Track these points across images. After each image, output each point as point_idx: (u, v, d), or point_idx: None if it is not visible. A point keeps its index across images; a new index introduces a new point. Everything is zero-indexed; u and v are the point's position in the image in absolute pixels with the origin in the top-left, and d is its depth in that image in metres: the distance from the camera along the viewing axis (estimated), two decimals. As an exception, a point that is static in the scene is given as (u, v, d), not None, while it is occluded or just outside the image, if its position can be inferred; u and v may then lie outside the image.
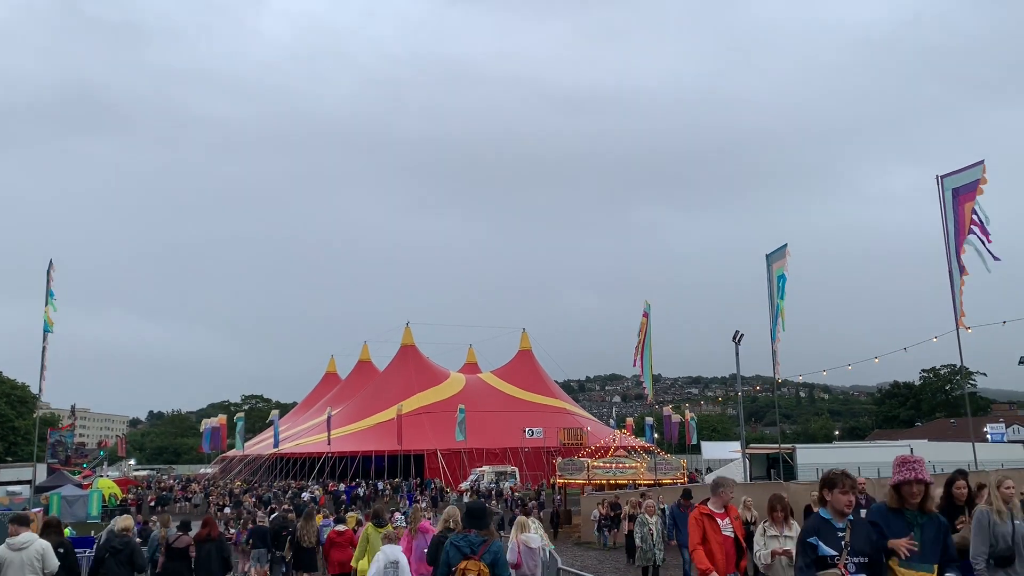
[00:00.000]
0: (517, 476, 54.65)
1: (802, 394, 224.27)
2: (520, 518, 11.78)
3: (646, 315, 29.78)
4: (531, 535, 10.71)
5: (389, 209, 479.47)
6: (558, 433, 61.16)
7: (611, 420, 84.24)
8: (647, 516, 14.99)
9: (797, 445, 30.68)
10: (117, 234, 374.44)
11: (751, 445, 31.03)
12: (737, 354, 27.87)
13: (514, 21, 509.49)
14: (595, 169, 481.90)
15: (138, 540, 11.92)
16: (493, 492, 46.19)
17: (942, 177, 17.04)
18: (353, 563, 12.38)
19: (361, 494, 50.51)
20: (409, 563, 9.91)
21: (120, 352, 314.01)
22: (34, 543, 8.82)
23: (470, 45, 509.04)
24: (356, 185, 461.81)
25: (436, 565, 8.41)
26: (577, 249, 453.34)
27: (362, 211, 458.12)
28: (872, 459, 30.36)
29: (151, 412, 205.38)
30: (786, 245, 22.25)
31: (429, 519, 13.33)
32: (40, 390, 29.22)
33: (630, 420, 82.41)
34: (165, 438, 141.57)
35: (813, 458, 28.61)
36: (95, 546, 10.92)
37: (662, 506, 19.03)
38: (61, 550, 9.49)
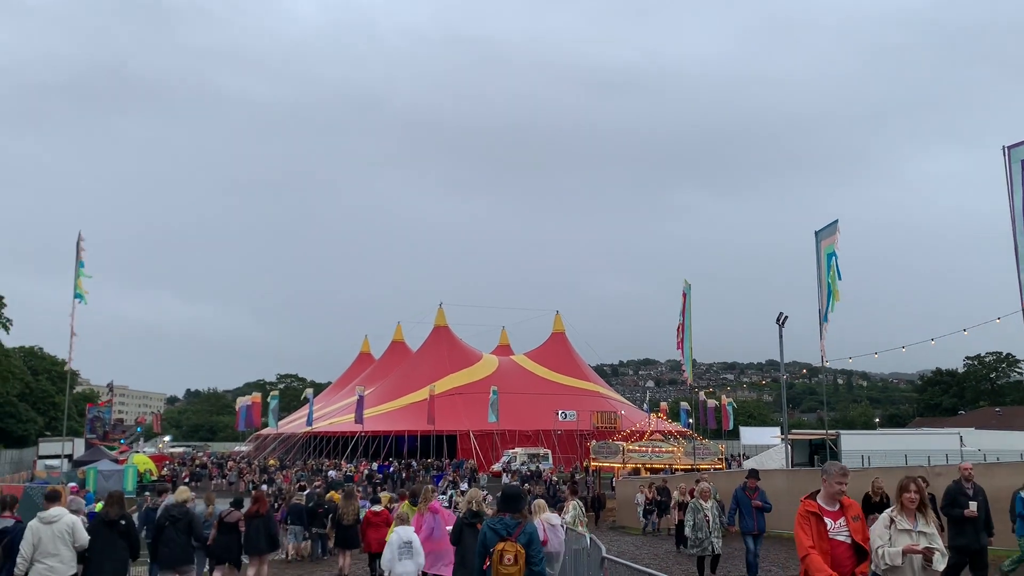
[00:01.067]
0: (550, 458, 54.23)
1: (840, 381, 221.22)
2: (539, 500, 12.68)
3: (685, 295, 28.88)
4: (550, 514, 11.77)
5: (422, 191, 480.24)
6: (591, 416, 60.70)
7: (644, 405, 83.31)
8: (701, 501, 13.69)
9: (841, 431, 29.67)
10: (153, 214, 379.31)
11: (792, 431, 30.10)
12: (781, 337, 26.95)
13: (545, 1, 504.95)
14: (628, 151, 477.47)
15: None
16: (532, 474, 45.73)
17: (1010, 148, 15.96)
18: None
19: (393, 473, 50.45)
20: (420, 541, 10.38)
21: (159, 331, 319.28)
22: (63, 517, 8.99)
23: (501, 26, 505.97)
24: (389, 166, 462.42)
25: (458, 545, 8.91)
26: (610, 232, 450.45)
27: (395, 192, 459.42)
28: (919, 446, 29.34)
29: (188, 390, 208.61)
30: (836, 221, 21.23)
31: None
32: (69, 359, 29.27)
33: (664, 405, 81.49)
34: (201, 416, 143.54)
35: (858, 444, 27.65)
36: (156, 515, 11.15)
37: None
38: (123, 522, 9.84)
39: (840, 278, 20.77)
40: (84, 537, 9.07)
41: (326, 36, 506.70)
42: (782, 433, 29.65)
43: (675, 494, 20.30)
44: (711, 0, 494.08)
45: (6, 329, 47.94)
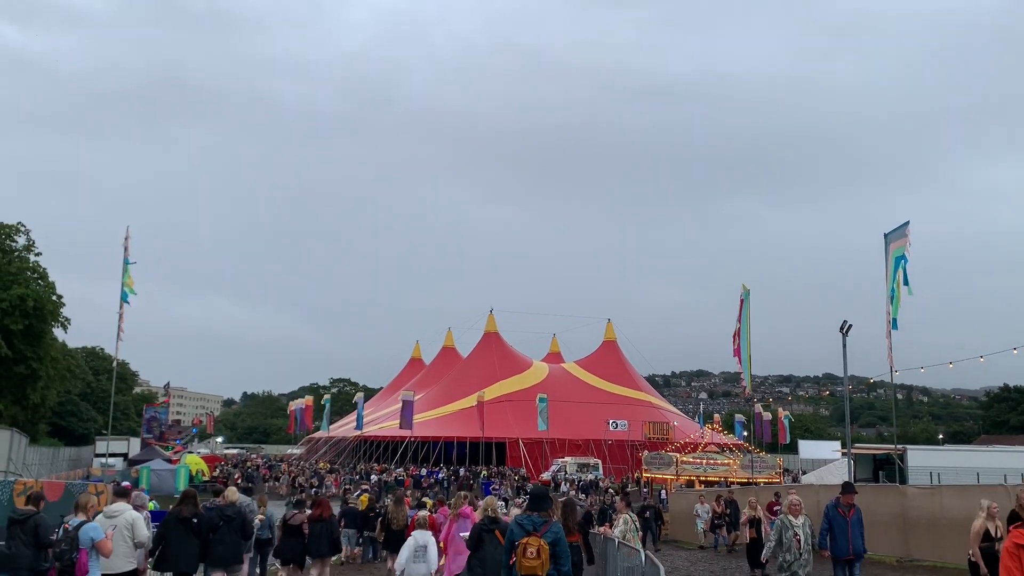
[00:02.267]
0: (600, 468, 53.41)
1: (899, 396, 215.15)
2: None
3: (743, 301, 27.91)
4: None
5: (473, 198, 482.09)
6: (643, 427, 59.66)
7: (697, 416, 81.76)
8: (791, 517, 11.60)
9: (908, 446, 28.36)
10: (209, 220, 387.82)
11: (855, 445, 28.92)
12: (844, 346, 25.81)
13: (593, 7, 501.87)
14: (678, 160, 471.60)
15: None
16: (589, 484, 44.86)
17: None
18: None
19: (442, 480, 50.20)
20: (447, 544, 10.65)
21: (216, 335, 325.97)
22: (125, 513, 9.48)
23: (552, 34, 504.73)
24: (442, 174, 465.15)
25: (477, 551, 9.14)
26: (662, 241, 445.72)
27: (447, 199, 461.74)
28: (991, 464, 27.89)
29: (245, 393, 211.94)
30: (907, 224, 20.12)
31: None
32: (116, 351, 29.57)
33: (717, 417, 79.94)
34: (256, 418, 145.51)
35: (926, 460, 26.37)
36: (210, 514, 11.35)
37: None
38: (195, 520, 10.57)
39: (907, 283, 19.70)
40: (144, 533, 9.45)
41: (379, 45, 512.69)
42: (844, 447, 28.47)
43: (745, 509, 18.43)
44: (765, 6, 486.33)
45: (64, 328, 48.98)
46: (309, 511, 13.88)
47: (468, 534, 10.02)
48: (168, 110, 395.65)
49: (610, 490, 33.71)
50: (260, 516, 13.98)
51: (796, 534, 11.34)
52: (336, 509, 16.71)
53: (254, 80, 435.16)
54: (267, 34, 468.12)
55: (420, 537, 10.82)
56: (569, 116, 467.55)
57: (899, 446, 27.79)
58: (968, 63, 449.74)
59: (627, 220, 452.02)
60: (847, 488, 11.96)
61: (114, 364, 33.45)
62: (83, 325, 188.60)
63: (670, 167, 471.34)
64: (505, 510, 13.71)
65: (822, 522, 11.51)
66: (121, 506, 9.63)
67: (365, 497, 21.96)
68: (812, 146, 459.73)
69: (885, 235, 21.13)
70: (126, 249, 25.62)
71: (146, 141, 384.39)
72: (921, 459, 26.76)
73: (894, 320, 19.96)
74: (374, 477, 47.96)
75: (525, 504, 11.69)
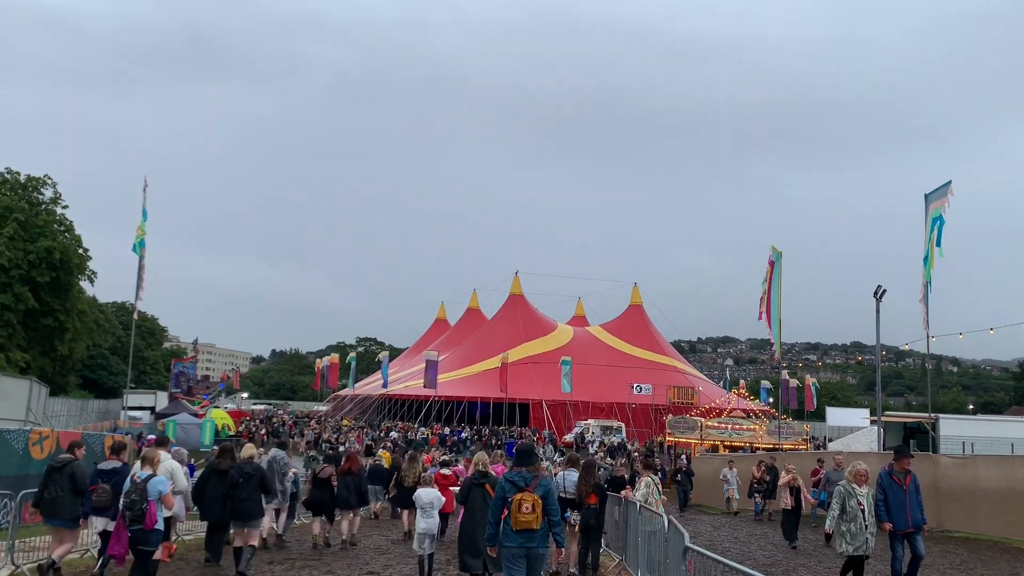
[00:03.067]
0: (623, 431, 53.21)
1: (928, 366, 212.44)
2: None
3: (772, 263, 27.06)
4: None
5: (500, 160, 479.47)
6: (668, 391, 59.23)
7: (723, 383, 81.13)
8: (855, 485, 10.22)
9: (941, 415, 27.67)
10: (237, 180, 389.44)
11: (886, 413, 28.25)
12: (878, 311, 25.10)
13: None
14: (708, 123, 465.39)
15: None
16: (617, 447, 44.65)
17: None
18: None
19: (465, 439, 50.33)
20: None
21: (247, 294, 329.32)
22: (165, 463, 9.84)
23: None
24: (467, 134, 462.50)
25: (465, 503, 9.79)
26: (690, 206, 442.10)
27: (473, 160, 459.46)
28: (1025, 435, 27.17)
29: (274, 351, 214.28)
30: (949, 183, 19.24)
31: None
32: (136, 300, 29.53)
33: (743, 383, 79.32)
34: (283, 375, 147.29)
35: (958, 430, 25.71)
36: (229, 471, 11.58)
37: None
38: (232, 472, 11.09)
39: (939, 244, 18.92)
40: (182, 482, 9.95)
41: (405, 4, 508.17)
42: (873, 414, 27.87)
43: (783, 475, 17.20)
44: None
45: (91, 281, 49.30)
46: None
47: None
48: (194, 68, 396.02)
49: (636, 454, 33.46)
50: (293, 470, 14.29)
51: (860, 503, 10.10)
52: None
53: (280, 38, 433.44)
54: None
55: (426, 495, 11.44)
56: (598, 78, 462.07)
57: (931, 415, 27.12)
58: (1013, 26, 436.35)
59: (655, 183, 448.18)
60: (901, 452, 10.68)
61: (133, 315, 33.53)
62: (113, 280, 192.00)
63: (699, 130, 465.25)
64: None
65: (876, 492, 10.34)
66: (161, 455, 9.95)
67: (386, 454, 21.83)
68: (845, 110, 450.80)
69: (926, 195, 20.28)
70: (145, 199, 25.39)
71: (172, 99, 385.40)
72: (953, 428, 26.13)
73: (928, 283, 19.14)
74: (394, 434, 48.21)
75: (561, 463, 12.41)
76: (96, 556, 10.35)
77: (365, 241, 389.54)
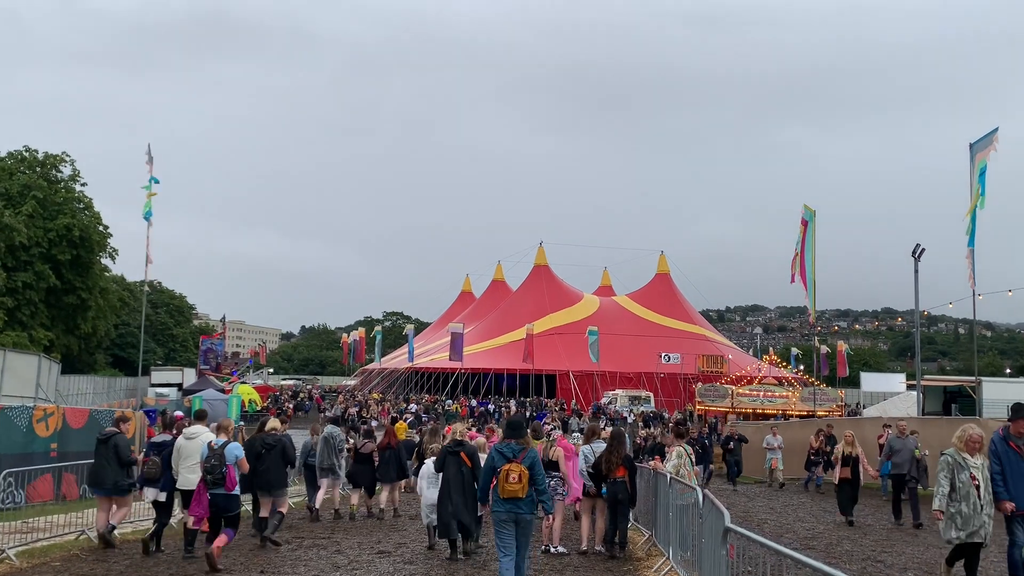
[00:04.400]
0: (652, 401, 52.56)
1: (961, 330, 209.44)
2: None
3: (806, 223, 25.93)
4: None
5: (522, 129, 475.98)
6: (696, 360, 58.41)
7: (752, 351, 80.00)
8: (965, 455, 8.24)
9: (984, 378, 26.61)
10: (260, 157, 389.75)
11: (925, 377, 27.25)
12: (916, 272, 24.05)
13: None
14: (733, 88, 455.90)
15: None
16: (653, 416, 44.03)
17: None
18: None
19: (493, 411, 50.00)
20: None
21: (275, 270, 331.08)
22: (202, 435, 10.25)
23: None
24: (489, 104, 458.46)
25: (442, 471, 10.14)
26: (716, 173, 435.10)
27: (495, 131, 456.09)
28: (1073, 399, 26.06)
29: (303, 327, 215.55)
30: (995, 130, 18.02)
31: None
32: (146, 275, 29.24)
33: (772, 350, 78.16)
34: (312, 350, 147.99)
35: (1002, 393, 24.63)
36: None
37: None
38: (261, 445, 11.40)
39: (983, 193, 17.79)
40: None
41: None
42: (914, 378, 26.83)
43: (840, 444, 15.34)
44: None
45: (112, 258, 49.20)
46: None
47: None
48: (212, 47, 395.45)
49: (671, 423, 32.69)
50: (348, 444, 14.98)
51: (974, 477, 8.02)
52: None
53: (295, 12, 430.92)
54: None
55: (431, 465, 11.38)
56: (619, 44, 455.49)
57: (973, 378, 26.06)
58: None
59: (679, 151, 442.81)
60: (1018, 411, 8.34)
61: (144, 287, 33.27)
62: (140, 260, 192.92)
63: (724, 95, 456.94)
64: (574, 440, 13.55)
65: (990, 463, 8.20)
66: (199, 428, 10.46)
67: (402, 424, 21.54)
68: (874, 71, 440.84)
69: (971, 145, 19.10)
70: (150, 167, 24.85)
71: (189, 77, 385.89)
72: (997, 392, 25.06)
73: (971, 236, 18.00)
74: (414, 407, 48.08)
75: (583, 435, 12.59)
76: (152, 525, 10.86)
77: (389, 214, 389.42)
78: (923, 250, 24.22)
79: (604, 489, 10.45)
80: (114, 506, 10.78)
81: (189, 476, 10.09)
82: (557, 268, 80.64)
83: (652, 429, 29.15)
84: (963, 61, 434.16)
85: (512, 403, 55.68)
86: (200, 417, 11.02)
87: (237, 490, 9.66)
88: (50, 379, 25.77)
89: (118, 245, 49.87)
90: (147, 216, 24.44)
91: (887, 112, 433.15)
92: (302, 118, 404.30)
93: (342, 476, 14.36)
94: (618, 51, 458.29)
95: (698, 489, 8.35)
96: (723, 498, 14.77)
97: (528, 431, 9.27)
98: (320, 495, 13.88)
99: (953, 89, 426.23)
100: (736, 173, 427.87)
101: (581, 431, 22.04)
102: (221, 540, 9.37)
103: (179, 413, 31.83)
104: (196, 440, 10.20)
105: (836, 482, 14.75)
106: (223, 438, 9.81)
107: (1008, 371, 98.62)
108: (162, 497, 10.53)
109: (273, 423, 12.30)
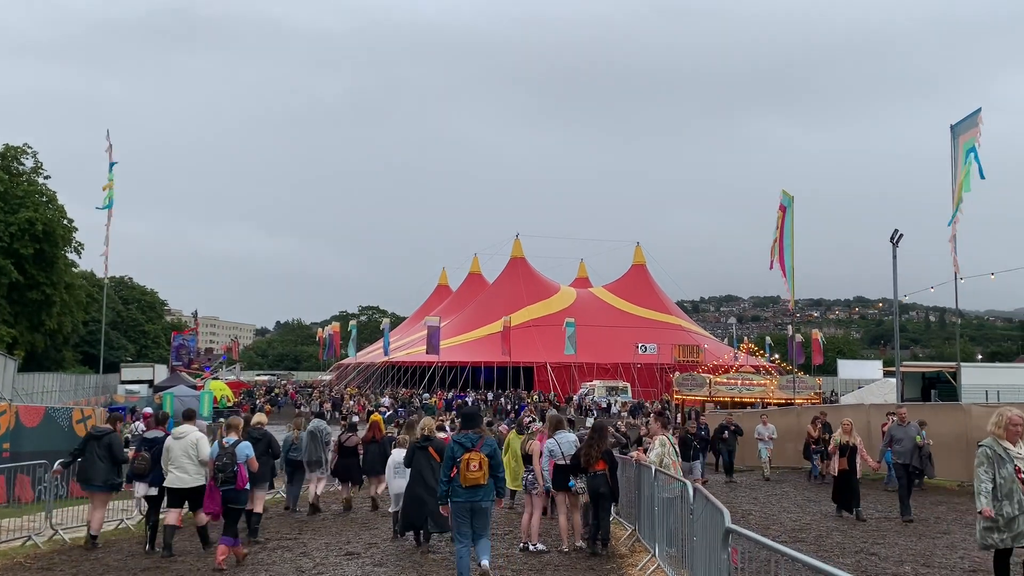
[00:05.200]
0: (629, 392, 52.35)
1: (932, 318, 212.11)
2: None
3: (784, 208, 25.61)
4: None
5: (496, 121, 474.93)
6: (672, 350, 58.28)
7: (727, 340, 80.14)
8: (1006, 444, 6.98)
9: (962, 363, 26.50)
10: (231, 151, 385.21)
11: (904, 363, 27.11)
12: (895, 258, 23.86)
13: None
14: (702, 79, 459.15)
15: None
16: (635, 407, 43.72)
17: None
18: None
19: (472, 404, 49.56)
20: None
21: (250, 266, 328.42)
22: (191, 434, 10.31)
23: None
24: (462, 98, 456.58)
25: (411, 466, 10.30)
26: (688, 164, 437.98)
27: (470, 123, 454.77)
28: (1049, 383, 26.02)
29: (278, 322, 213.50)
30: (979, 111, 17.77)
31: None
32: (105, 269, 28.32)
33: (747, 340, 78.40)
34: (287, 345, 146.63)
35: (981, 379, 24.56)
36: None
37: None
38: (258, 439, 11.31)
39: (983, 176, 17.47)
40: (206, 452, 10.17)
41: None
42: (893, 365, 26.69)
43: (836, 433, 14.11)
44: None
45: (78, 253, 47.82)
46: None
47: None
48: (176, 38, 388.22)
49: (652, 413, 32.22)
50: (334, 439, 14.81)
51: (1019, 469, 6.80)
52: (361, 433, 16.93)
53: (262, 7, 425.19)
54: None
55: (397, 455, 11.57)
56: (588, 35, 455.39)
57: (951, 363, 25.94)
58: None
59: (653, 142, 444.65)
60: None
61: (105, 280, 32.23)
62: (112, 254, 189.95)
63: (693, 87, 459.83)
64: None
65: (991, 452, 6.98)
66: (187, 428, 10.43)
67: (377, 416, 21.23)
68: (841, 62, 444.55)
69: (952, 127, 18.84)
70: (110, 154, 23.90)
71: (157, 71, 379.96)
72: (976, 377, 24.97)
73: (952, 218, 17.67)
74: (386, 400, 47.59)
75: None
76: (146, 522, 11.09)
77: (363, 209, 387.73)
78: (901, 236, 24.03)
79: (571, 482, 9.99)
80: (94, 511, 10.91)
81: (178, 474, 10.15)
82: (534, 260, 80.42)
83: (636, 420, 28.78)
84: (933, 50, 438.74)
85: (489, 395, 55.22)
86: (188, 417, 11.02)
87: (248, 485, 9.91)
88: (5, 376, 24.83)
89: (87, 241, 48.29)
90: (108, 206, 23.47)
91: (857, 101, 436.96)
92: (270, 112, 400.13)
93: (327, 470, 14.36)
94: (588, 42, 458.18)
95: (687, 483, 7.88)
96: (713, 490, 14.28)
97: (482, 421, 9.75)
98: (312, 488, 14.02)
99: (922, 78, 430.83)
100: (708, 164, 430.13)
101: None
102: (223, 552, 9.37)
103: (147, 410, 31.14)
104: (184, 439, 10.25)
105: (834, 474, 13.65)
106: (233, 437, 9.92)
107: (980, 357, 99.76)
108: (153, 491, 10.76)
109: (259, 417, 12.46)
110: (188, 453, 10.13)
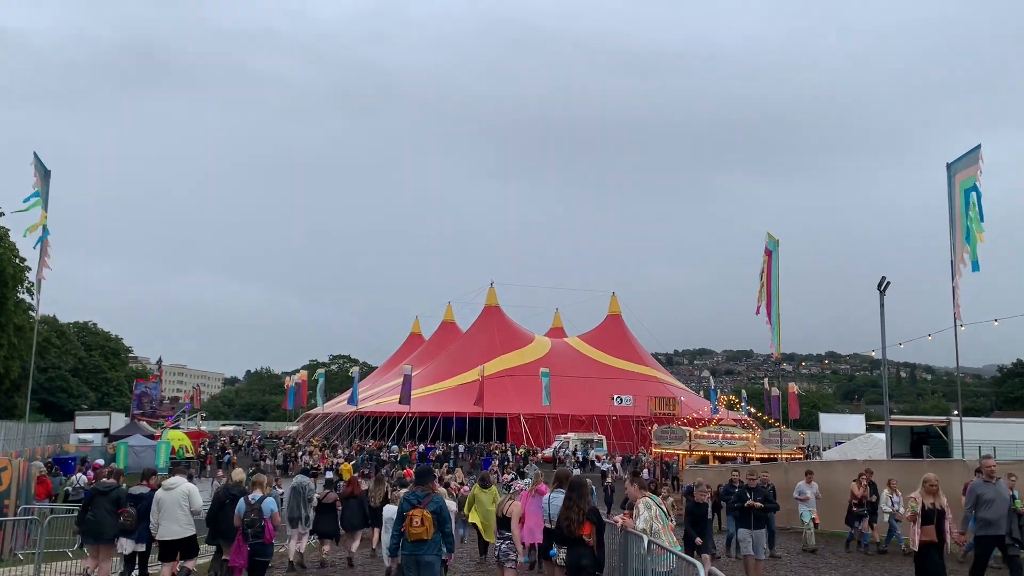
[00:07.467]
0: (604, 444, 51.06)
1: (903, 374, 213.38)
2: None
3: (770, 252, 24.91)
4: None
5: (470, 172, 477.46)
6: (649, 401, 57.22)
7: (703, 393, 79.27)
8: None
9: (953, 417, 25.64)
10: (201, 198, 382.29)
11: (893, 417, 26.23)
12: (882, 305, 23.10)
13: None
14: (674, 134, 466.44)
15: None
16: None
17: None
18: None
19: (440, 456, 47.82)
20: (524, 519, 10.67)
21: (218, 314, 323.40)
22: (181, 485, 10.60)
23: (537, 6, 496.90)
24: (436, 148, 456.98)
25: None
26: (661, 217, 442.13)
27: (444, 174, 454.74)
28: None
29: (248, 371, 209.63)
30: (978, 148, 17.11)
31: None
32: (37, 303, 26.66)
33: (723, 395, 77.54)
34: (255, 395, 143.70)
35: (974, 433, 23.64)
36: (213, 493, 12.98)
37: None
38: (225, 495, 11.47)
39: (982, 218, 16.73)
40: (198, 503, 10.47)
41: (360, 18, 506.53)
42: (883, 419, 25.74)
43: (915, 494, 10.61)
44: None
45: (31, 294, 45.72)
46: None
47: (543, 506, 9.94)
48: (144, 83, 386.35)
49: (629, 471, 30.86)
50: (318, 495, 14.89)
51: None
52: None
53: (232, 53, 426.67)
54: (244, 6, 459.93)
55: (389, 511, 11.68)
56: (560, 91, 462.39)
57: (942, 418, 25.07)
58: (966, 34, 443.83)
59: (627, 196, 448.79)
60: None
61: (35, 317, 30.34)
62: (72, 301, 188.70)
63: (664, 142, 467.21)
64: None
65: None
66: (177, 479, 10.70)
67: (347, 465, 20.49)
68: (809, 120, 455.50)
69: (948, 165, 18.20)
70: (36, 180, 22.51)
71: (122, 114, 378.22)
72: (970, 432, 24.02)
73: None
74: (341, 452, 46.05)
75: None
76: None
77: (336, 257, 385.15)
78: (888, 283, 23.32)
79: (552, 551, 8.85)
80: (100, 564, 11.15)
81: (171, 526, 10.32)
82: (508, 309, 79.55)
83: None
84: (901, 109, 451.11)
85: (461, 448, 53.56)
86: (180, 470, 11.49)
87: (274, 540, 10.36)
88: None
89: (48, 286, 46.13)
90: (36, 243, 21.92)
91: (826, 157, 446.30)
92: (241, 159, 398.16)
93: (308, 526, 14.24)
94: (560, 98, 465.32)
95: (695, 562, 6.68)
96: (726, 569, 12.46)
97: (434, 479, 10.02)
98: (293, 544, 13.91)
99: (889, 132, 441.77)
100: (680, 219, 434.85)
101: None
102: None
103: (98, 461, 29.41)
104: (176, 491, 10.51)
105: (915, 548, 10.47)
106: (258, 493, 10.25)
107: (956, 413, 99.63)
108: (141, 548, 11.10)
109: (238, 475, 12.43)
110: (180, 504, 10.41)
